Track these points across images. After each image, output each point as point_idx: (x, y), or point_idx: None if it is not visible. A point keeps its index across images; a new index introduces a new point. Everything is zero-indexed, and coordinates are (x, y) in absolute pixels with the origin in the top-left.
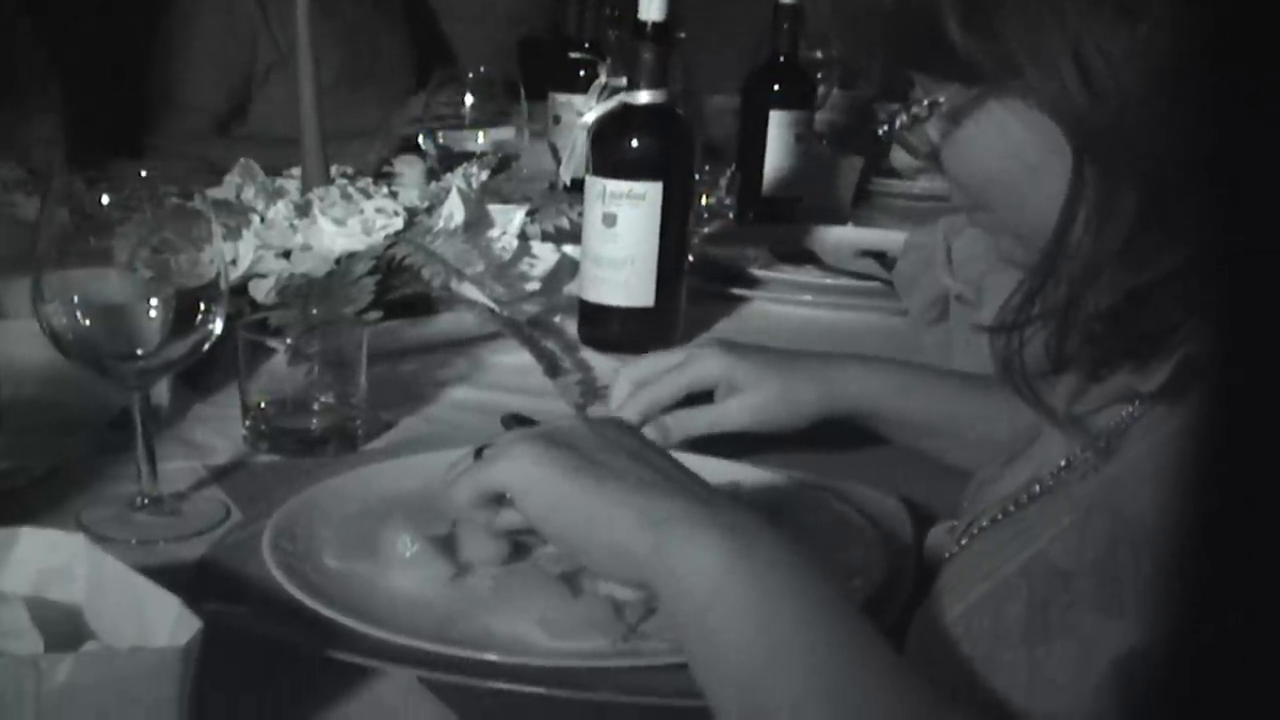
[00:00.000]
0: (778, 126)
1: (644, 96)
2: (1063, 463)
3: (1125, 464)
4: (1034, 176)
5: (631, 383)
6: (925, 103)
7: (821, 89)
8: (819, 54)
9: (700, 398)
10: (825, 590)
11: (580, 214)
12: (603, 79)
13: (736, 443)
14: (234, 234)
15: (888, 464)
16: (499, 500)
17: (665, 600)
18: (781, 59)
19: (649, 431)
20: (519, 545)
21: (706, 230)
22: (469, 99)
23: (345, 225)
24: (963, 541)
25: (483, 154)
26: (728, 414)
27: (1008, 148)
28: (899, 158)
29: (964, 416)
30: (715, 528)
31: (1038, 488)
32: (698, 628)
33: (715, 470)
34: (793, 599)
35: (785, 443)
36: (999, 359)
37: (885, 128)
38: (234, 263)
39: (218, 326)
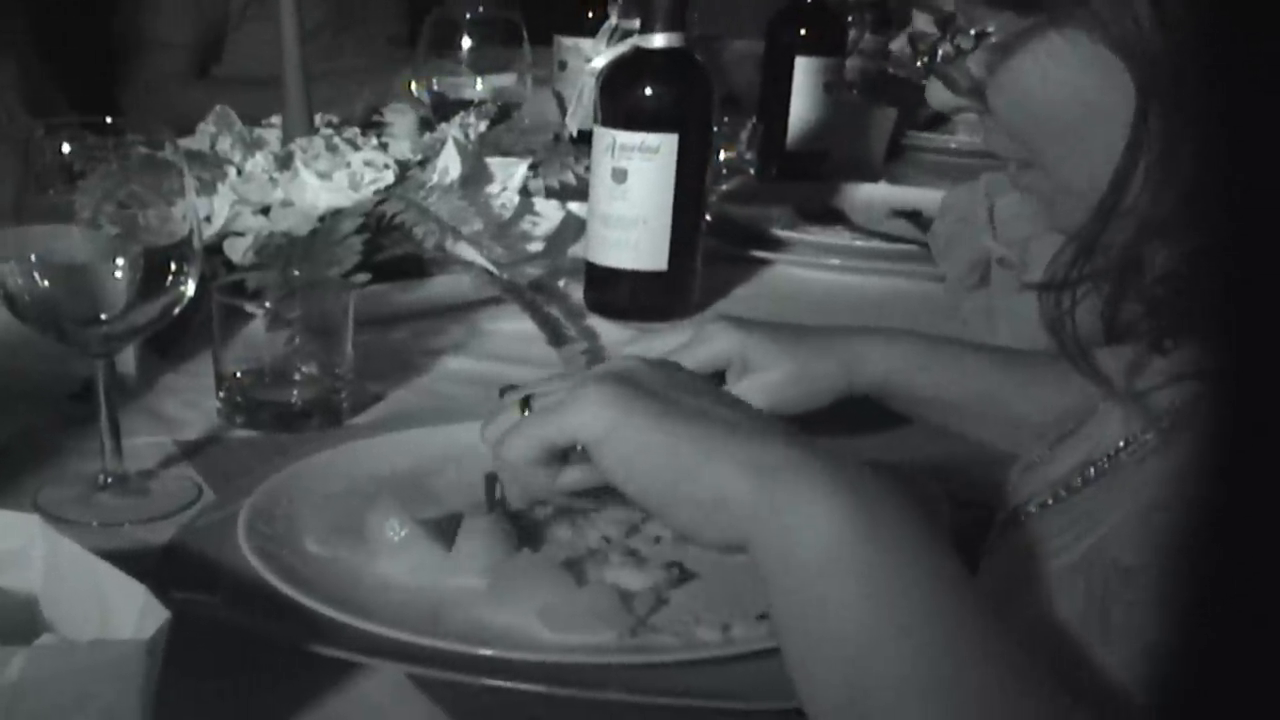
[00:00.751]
0: (804, 74)
1: (658, 40)
2: (1121, 444)
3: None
4: (1090, 119)
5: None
6: (972, 33)
7: (852, 33)
8: None
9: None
10: (950, 566)
11: (587, 168)
12: (613, 21)
13: None
14: (208, 188)
15: (913, 446)
16: (561, 457)
17: (767, 559)
18: (808, 0)
19: None
20: (526, 535)
21: (725, 187)
22: (466, 42)
23: (330, 179)
24: (1005, 531)
25: (481, 102)
26: (742, 396)
27: (1063, 86)
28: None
29: (999, 394)
30: (834, 482)
31: (1092, 470)
32: (804, 592)
33: None
34: (914, 570)
35: (804, 425)
36: (1049, 321)
37: (925, 59)
38: (208, 219)
39: (190, 289)
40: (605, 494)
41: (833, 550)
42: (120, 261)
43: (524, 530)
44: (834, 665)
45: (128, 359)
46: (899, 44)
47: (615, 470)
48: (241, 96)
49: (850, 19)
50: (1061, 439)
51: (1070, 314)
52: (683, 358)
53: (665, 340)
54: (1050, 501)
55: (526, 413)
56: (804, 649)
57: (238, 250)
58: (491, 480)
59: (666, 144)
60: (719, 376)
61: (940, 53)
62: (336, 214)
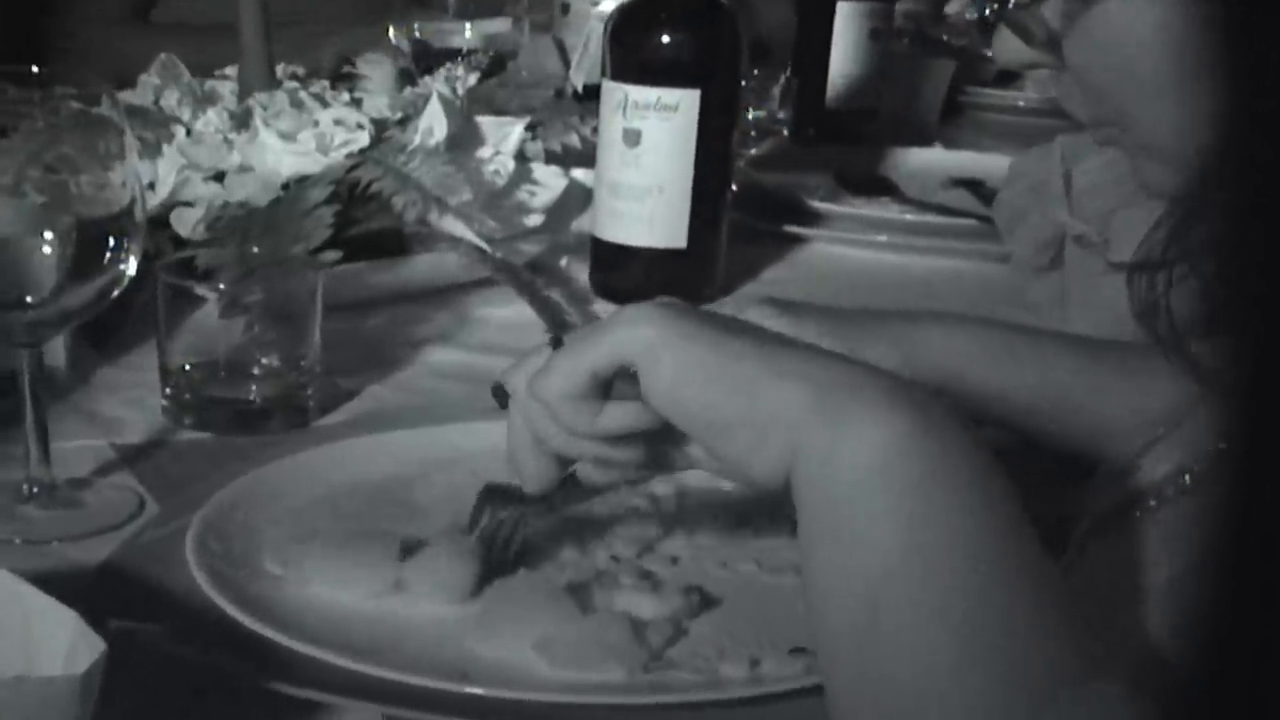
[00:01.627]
0: (846, 20)
1: None
2: (1222, 448)
3: None
4: (1188, 73)
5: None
6: None
7: None
8: None
9: None
10: (1004, 506)
11: (594, 130)
12: None
13: None
14: (152, 150)
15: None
16: (602, 392)
17: (809, 468)
18: None
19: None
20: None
21: (755, 152)
22: None
23: (295, 141)
24: (1085, 545)
25: (470, 52)
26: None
27: (1157, 34)
28: (1005, 47)
29: (1074, 391)
30: (894, 397)
31: (1187, 479)
32: (840, 507)
33: None
34: (961, 497)
35: None
36: (1140, 308)
37: (994, 5)
38: (152, 187)
39: (130, 268)
40: (652, 444)
41: (878, 462)
42: (48, 236)
43: (520, 548)
44: (855, 582)
45: (57, 349)
46: (956, 5)
47: (663, 393)
48: (189, 44)
49: None
50: (1150, 445)
51: (1165, 299)
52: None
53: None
54: (1137, 515)
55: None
56: (826, 564)
57: (186, 223)
58: (484, 499)
59: (686, 101)
60: None
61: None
62: (302, 182)
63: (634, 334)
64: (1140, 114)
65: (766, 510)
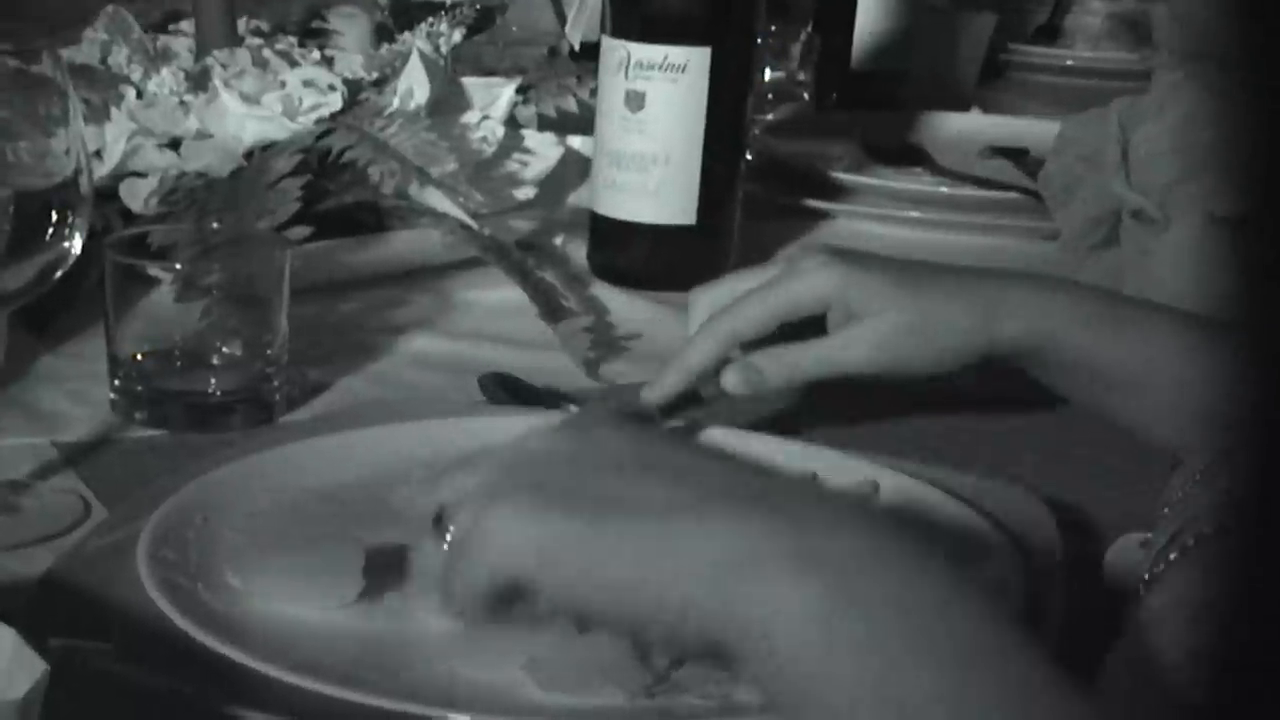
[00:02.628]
0: None
1: None
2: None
3: None
4: None
5: (709, 306)
6: None
7: None
8: None
9: (805, 330)
10: (982, 633)
11: (593, 92)
12: None
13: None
14: (99, 114)
15: (1012, 444)
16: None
17: (748, 667)
18: None
19: (731, 376)
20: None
21: (772, 117)
22: None
23: (259, 104)
24: (1159, 568)
25: (455, 5)
26: (845, 349)
27: None
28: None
29: (1177, 369)
30: (804, 561)
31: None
32: (796, 696)
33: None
34: (927, 654)
35: (897, 406)
36: (1220, 265)
37: None
38: (99, 155)
39: (75, 245)
40: None
41: (814, 639)
42: None
43: None
44: None
45: None
46: None
47: (564, 602)
48: None
49: None
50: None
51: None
52: (765, 295)
53: (746, 278)
54: (1210, 531)
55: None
56: None
57: (138, 196)
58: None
59: (696, 60)
60: (818, 324)
61: None
62: (266, 150)
63: (508, 547)
64: (1239, 41)
65: None
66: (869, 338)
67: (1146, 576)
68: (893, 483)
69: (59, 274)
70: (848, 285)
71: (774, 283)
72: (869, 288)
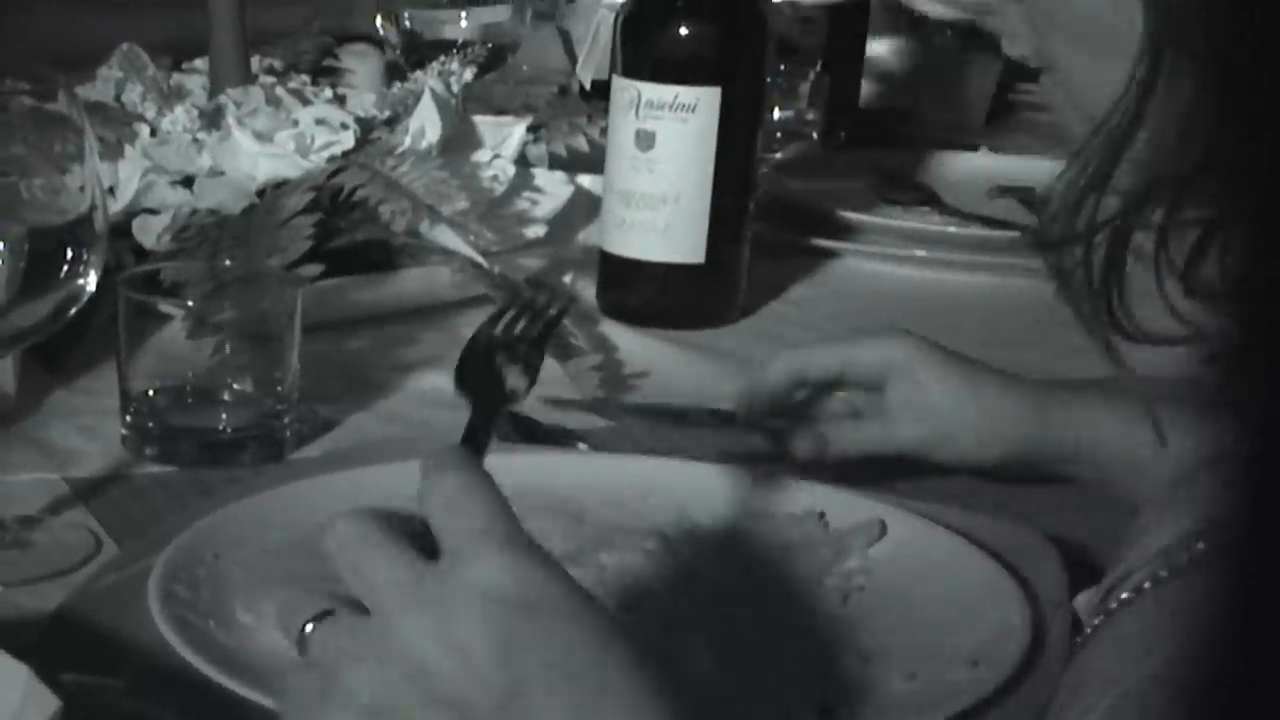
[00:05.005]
0: (883, 7)
1: None
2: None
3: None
4: (1108, 40)
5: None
6: None
7: None
8: None
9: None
10: None
11: (603, 131)
12: None
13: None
14: (113, 151)
15: (1021, 484)
16: None
17: None
18: None
19: (800, 442)
20: None
21: (780, 156)
22: None
23: (271, 142)
24: (1096, 620)
25: (466, 44)
26: (901, 429)
27: None
28: None
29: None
30: None
31: (1201, 545)
32: None
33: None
34: None
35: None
36: (1053, 271)
37: None
38: (112, 192)
39: (90, 283)
40: None
41: None
42: None
43: None
44: None
45: (5, 372)
46: None
47: None
48: (145, 27)
49: None
50: (1174, 496)
51: (1085, 265)
52: (842, 349)
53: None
54: (1147, 585)
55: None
56: None
57: (151, 232)
58: None
59: (706, 100)
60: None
61: None
62: (279, 187)
63: None
64: (1064, 61)
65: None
66: (925, 420)
67: (1079, 639)
68: (899, 522)
69: (73, 311)
70: (914, 361)
71: (850, 340)
72: (932, 369)
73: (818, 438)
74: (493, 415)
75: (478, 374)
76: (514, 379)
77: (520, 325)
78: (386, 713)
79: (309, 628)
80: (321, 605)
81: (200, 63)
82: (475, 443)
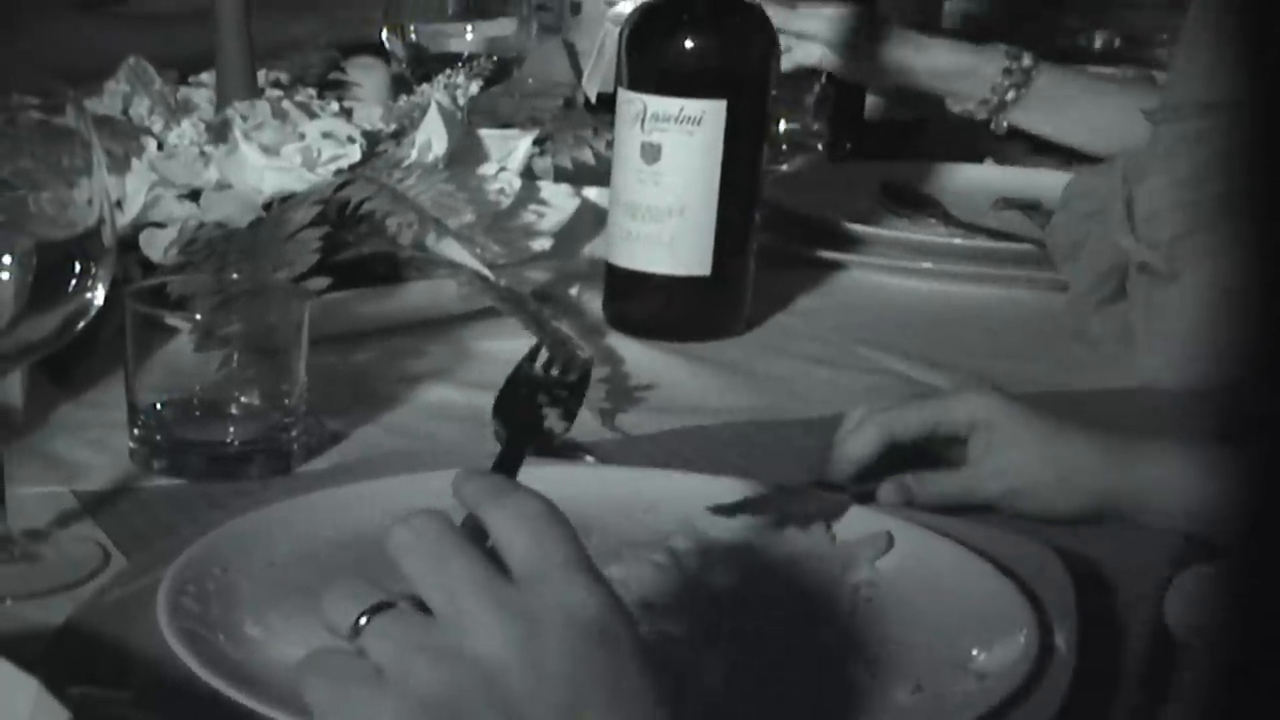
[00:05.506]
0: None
1: None
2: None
3: None
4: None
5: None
6: None
7: None
8: None
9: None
10: None
11: (609, 144)
12: None
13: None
14: (120, 165)
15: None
16: None
17: None
18: None
19: (886, 491)
20: None
21: (786, 168)
22: None
23: (278, 156)
24: None
25: (472, 57)
26: (985, 480)
27: None
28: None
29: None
30: None
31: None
32: None
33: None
34: None
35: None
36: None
37: None
38: (120, 206)
39: (98, 297)
40: None
41: None
42: (5, 260)
43: None
44: None
45: (12, 385)
46: None
47: None
48: (155, 38)
49: None
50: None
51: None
52: (928, 407)
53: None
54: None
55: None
56: None
57: (158, 246)
58: None
59: (711, 113)
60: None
61: None
62: (286, 201)
63: None
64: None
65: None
66: (1008, 472)
67: None
68: (906, 534)
69: (81, 325)
70: (996, 419)
71: (934, 398)
72: (1015, 423)
73: (902, 488)
74: (525, 450)
75: (517, 409)
76: (553, 420)
77: (557, 367)
78: (444, 708)
79: (364, 620)
80: (379, 597)
81: (207, 76)
82: (506, 472)
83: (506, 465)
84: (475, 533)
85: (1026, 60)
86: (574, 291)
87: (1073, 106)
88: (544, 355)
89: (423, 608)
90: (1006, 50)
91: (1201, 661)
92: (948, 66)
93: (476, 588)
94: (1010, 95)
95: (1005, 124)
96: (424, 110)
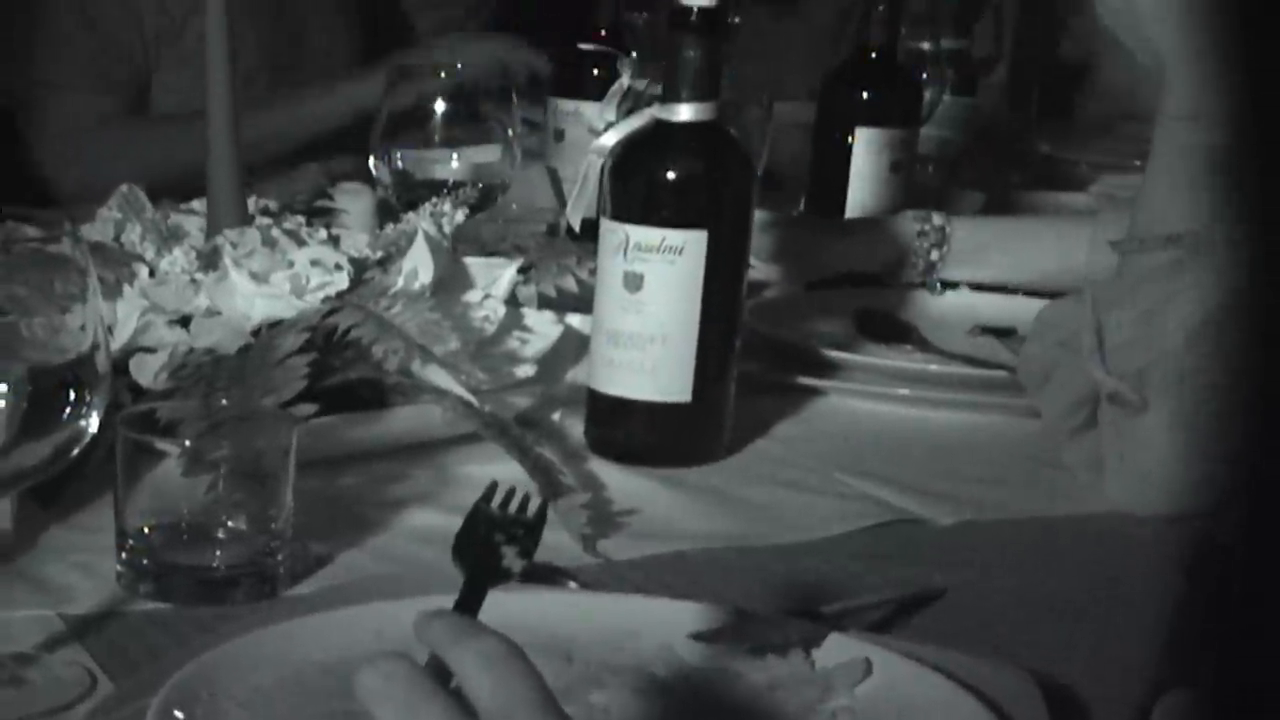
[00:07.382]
0: (867, 149)
1: (684, 112)
2: None
3: None
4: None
5: None
6: None
7: (929, 94)
8: (926, 45)
9: None
10: None
11: (592, 272)
12: (624, 82)
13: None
14: (112, 291)
15: (1007, 623)
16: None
17: None
18: (873, 54)
19: None
20: None
21: (765, 295)
22: (439, 105)
23: (267, 283)
24: None
25: (458, 184)
26: None
27: None
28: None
29: None
30: None
31: None
32: None
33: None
34: None
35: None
36: None
37: None
38: (110, 331)
39: (92, 423)
40: None
41: None
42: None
43: None
44: None
45: (2, 509)
46: None
47: None
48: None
49: (925, 76)
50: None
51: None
52: None
53: None
54: None
55: None
56: None
57: (148, 371)
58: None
59: (693, 243)
60: None
61: None
62: (274, 327)
63: None
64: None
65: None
66: None
67: None
68: (884, 661)
69: (74, 452)
70: None
71: None
72: None
73: None
74: (485, 590)
75: (474, 548)
76: (510, 559)
77: (515, 505)
78: None
79: None
80: None
81: (198, 204)
82: (467, 612)
83: (467, 605)
84: (440, 672)
85: (937, 219)
86: (556, 417)
87: (991, 251)
88: (500, 494)
89: None
90: (914, 214)
91: None
92: (864, 242)
93: None
94: (934, 255)
95: (940, 285)
96: (410, 238)
